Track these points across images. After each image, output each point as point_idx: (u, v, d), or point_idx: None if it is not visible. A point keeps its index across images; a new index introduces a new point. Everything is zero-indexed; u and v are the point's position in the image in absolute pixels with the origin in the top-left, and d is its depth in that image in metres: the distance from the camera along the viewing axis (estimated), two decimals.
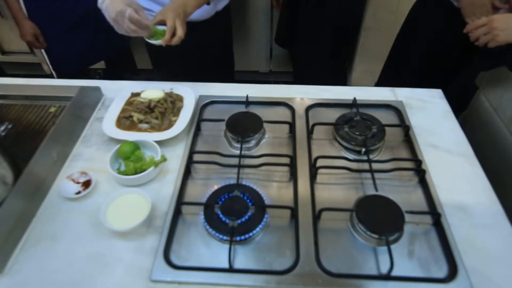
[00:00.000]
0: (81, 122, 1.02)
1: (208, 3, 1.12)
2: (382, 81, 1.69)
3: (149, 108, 0.99)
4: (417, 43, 1.42)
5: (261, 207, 0.76)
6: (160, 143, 0.91)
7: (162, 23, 1.01)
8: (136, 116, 0.98)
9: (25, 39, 1.66)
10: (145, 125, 0.97)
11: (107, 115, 0.99)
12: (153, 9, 1.21)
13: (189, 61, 1.21)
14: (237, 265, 0.70)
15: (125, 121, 0.98)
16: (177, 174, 0.87)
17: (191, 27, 1.04)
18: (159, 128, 0.97)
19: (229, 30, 1.50)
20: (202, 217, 0.76)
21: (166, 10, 1.02)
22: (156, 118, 0.98)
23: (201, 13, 1.21)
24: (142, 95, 1.02)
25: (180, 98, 1.06)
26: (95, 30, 1.71)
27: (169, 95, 1.05)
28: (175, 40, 0.99)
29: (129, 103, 1.03)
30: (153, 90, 1.03)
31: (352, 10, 1.87)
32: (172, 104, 1.02)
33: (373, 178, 0.82)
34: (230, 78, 1.63)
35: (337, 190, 0.85)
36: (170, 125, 0.97)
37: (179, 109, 1.02)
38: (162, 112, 0.99)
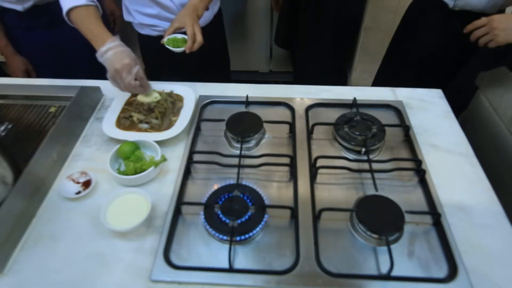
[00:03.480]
0: (81, 122, 1.02)
1: (207, 9, 1.14)
2: (378, 81, 1.69)
3: (149, 108, 0.99)
4: (413, 43, 1.42)
5: (261, 207, 0.76)
6: (160, 143, 0.91)
7: (179, 30, 1.02)
8: (136, 116, 0.98)
9: (15, 76, 1.44)
10: (145, 125, 0.97)
11: (107, 115, 0.99)
12: (158, 24, 1.21)
13: (189, 67, 1.22)
14: (237, 265, 0.70)
15: (125, 121, 0.98)
16: (177, 174, 0.87)
17: None
18: (159, 128, 0.97)
19: (223, 30, 1.51)
20: (202, 217, 0.76)
21: (182, 16, 1.02)
22: (156, 118, 0.98)
23: (203, 19, 1.22)
24: (138, 98, 1.02)
25: (180, 98, 1.06)
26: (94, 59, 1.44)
27: (169, 95, 1.05)
28: (196, 46, 1.00)
29: (129, 103, 1.03)
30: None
31: (352, 10, 1.87)
32: (172, 104, 1.02)
33: (373, 178, 0.82)
34: (227, 78, 1.64)
35: (337, 190, 0.85)
36: (170, 125, 0.97)
37: (179, 109, 1.02)
38: (162, 112, 0.99)
